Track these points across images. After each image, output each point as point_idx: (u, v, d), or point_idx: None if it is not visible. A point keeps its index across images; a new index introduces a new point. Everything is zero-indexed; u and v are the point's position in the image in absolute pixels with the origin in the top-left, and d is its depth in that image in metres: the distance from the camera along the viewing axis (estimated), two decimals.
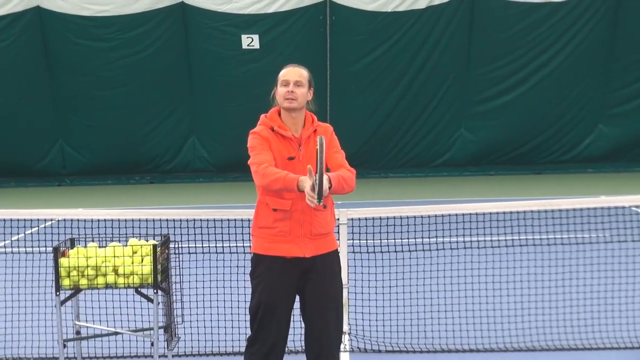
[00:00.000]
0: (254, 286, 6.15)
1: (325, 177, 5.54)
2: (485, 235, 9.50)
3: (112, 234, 8.27)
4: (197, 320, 8.60)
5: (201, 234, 8.91)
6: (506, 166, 24.91)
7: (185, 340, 8.32)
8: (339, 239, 7.71)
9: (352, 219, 8.30)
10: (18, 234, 9.67)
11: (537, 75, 24.09)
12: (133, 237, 7.42)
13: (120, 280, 6.99)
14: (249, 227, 6.44)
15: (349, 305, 8.39)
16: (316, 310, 6.14)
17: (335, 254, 6.29)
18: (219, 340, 8.46)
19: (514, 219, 9.51)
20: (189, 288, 8.54)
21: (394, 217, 9.11)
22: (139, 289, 7.08)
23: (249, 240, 6.30)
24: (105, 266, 6.96)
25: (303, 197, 5.64)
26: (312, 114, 6.30)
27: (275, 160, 5.95)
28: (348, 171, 6.03)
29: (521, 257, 10.10)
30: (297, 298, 6.23)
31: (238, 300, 8.55)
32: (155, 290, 6.97)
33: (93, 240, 7.45)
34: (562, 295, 9.21)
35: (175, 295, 7.70)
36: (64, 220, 9.24)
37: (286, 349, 6.30)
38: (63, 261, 6.94)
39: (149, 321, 7.60)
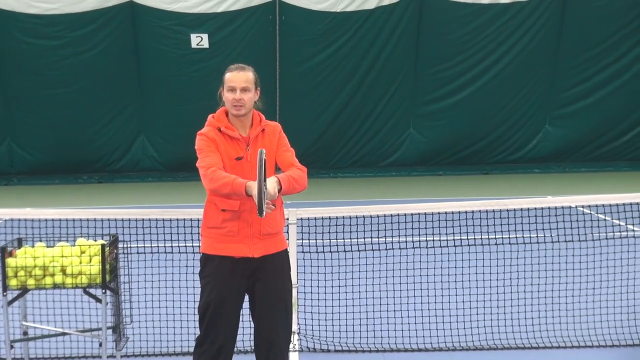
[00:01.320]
0: (202, 286, 6.16)
1: (273, 179, 5.61)
2: (433, 235, 9.56)
3: (60, 233, 8.23)
4: (146, 321, 8.57)
5: (150, 233, 8.88)
6: (454, 166, 25.01)
7: (134, 341, 8.30)
8: (288, 239, 7.73)
9: (301, 219, 8.32)
10: None
11: (485, 76, 24.23)
12: (81, 236, 7.39)
13: (69, 280, 6.96)
14: (198, 227, 6.45)
15: (298, 305, 8.41)
16: (265, 309, 6.16)
17: (284, 254, 6.32)
18: (167, 341, 8.45)
19: (462, 218, 9.57)
20: (138, 288, 8.52)
21: (343, 217, 9.13)
22: (87, 289, 7.05)
23: (199, 240, 6.31)
24: (53, 266, 6.93)
25: (250, 198, 5.70)
26: (260, 112, 6.31)
27: (223, 161, 5.98)
28: (299, 170, 6.08)
29: (469, 256, 10.17)
30: (247, 298, 6.25)
31: (187, 300, 8.54)
32: (103, 291, 6.95)
33: (41, 240, 7.42)
34: (509, 294, 9.28)
35: (124, 295, 7.68)
36: (11, 219, 9.18)
37: (235, 348, 6.31)
38: (10, 261, 6.89)
39: (98, 321, 7.57)
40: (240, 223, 6.03)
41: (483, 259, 10.01)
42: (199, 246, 6.24)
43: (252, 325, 6.27)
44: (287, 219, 7.94)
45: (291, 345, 7.88)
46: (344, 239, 9.21)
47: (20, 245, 7.27)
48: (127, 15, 23.06)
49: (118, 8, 22.90)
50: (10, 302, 6.97)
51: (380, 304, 9.22)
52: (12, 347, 7.14)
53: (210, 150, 6.01)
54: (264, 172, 5.40)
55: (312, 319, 8.78)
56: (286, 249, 6.39)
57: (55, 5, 22.61)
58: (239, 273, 6.07)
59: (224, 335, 6.10)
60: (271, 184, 5.69)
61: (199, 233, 6.35)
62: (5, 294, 6.91)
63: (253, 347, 6.34)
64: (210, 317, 6.08)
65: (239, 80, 6.06)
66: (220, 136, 6.08)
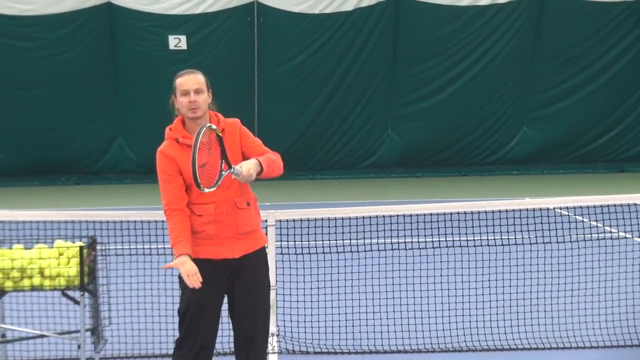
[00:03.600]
0: (182, 288, 6.14)
1: (253, 161, 5.77)
2: (412, 237, 9.56)
3: (38, 235, 8.22)
4: (125, 323, 8.55)
5: (129, 235, 8.86)
6: (432, 168, 25.06)
7: (112, 343, 8.27)
8: (267, 243, 7.74)
9: (280, 220, 8.32)
10: None
11: (462, 77, 24.31)
12: (59, 238, 7.38)
13: (47, 282, 6.94)
14: None
15: (277, 307, 8.41)
16: (245, 308, 6.16)
17: (263, 252, 6.33)
18: (147, 343, 8.43)
19: (441, 220, 9.58)
20: (116, 290, 8.49)
21: (322, 219, 9.14)
22: (66, 291, 7.03)
23: None
24: (31, 268, 6.90)
25: (226, 199, 5.90)
26: (216, 112, 6.28)
27: (185, 174, 5.94)
28: (274, 154, 6.11)
29: (447, 258, 10.18)
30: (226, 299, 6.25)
31: (166, 302, 8.53)
32: (82, 293, 6.93)
33: (18, 242, 7.39)
34: (487, 296, 9.29)
35: (103, 297, 7.66)
36: None
37: (215, 350, 6.30)
38: None
39: (76, 324, 7.55)
40: (218, 225, 6.02)
41: (461, 260, 10.04)
42: None
43: (231, 326, 6.26)
44: (266, 220, 7.93)
45: (270, 347, 7.90)
46: (322, 240, 9.22)
47: None
48: (105, 17, 23.03)
49: (96, 9, 22.86)
50: None
51: (359, 306, 9.22)
52: None
53: (167, 181, 6.02)
54: (197, 147, 5.48)
55: (291, 320, 8.77)
56: (264, 246, 6.39)
57: (32, 7, 22.54)
58: (219, 275, 6.06)
59: (204, 337, 6.08)
60: (249, 165, 5.72)
61: None
62: None
63: (232, 349, 6.33)
64: (190, 320, 6.07)
65: (191, 83, 6.03)
66: (179, 148, 6.04)
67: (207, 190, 5.59)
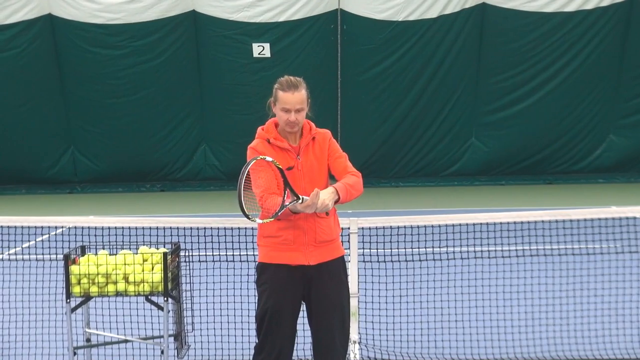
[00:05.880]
0: (259, 294, 6.20)
1: (330, 190, 5.84)
2: (495, 245, 9.47)
3: (123, 241, 8.28)
4: (207, 329, 8.59)
5: (211, 242, 8.90)
6: (517, 176, 24.89)
7: (195, 349, 8.32)
8: (349, 248, 7.73)
9: (362, 228, 8.29)
10: (29, 241, 9.67)
11: (547, 85, 24.06)
12: (144, 245, 7.43)
13: (131, 288, 7.00)
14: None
15: (359, 314, 8.38)
16: (321, 317, 6.18)
17: (340, 261, 6.33)
18: (229, 349, 8.46)
19: (525, 228, 9.47)
20: (199, 296, 8.55)
21: (405, 227, 9.08)
22: (149, 297, 7.08)
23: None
24: (116, 274, 6.98)
25: None
26: (309, 120, 6.29)
27: (274, 172, 5.97)
28: (353, 175, 6.11)
29: (532, 267, 10.06)
30: (305, 306, 6.25)
31: (248, 309, 8.54)
32: (165, 298, 6.97)
33: (104, 248, 7.47)
34: (572, 305, 9.18)
35: (186, 303, 7.72)
36: (75, 227, 9.23)
37: (296, 357, 6.31)
38: (74, 269, 6.95)
39: (159, 329, 7.61)
40: (296, 231, 6.06)
41: (546, 270, 9.92)
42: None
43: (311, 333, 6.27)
44: (348, 228, 7.92)
45: (352, 355, 7.88)
46: (405, 248, 9.16)
47: (83, 253, 7.33)
48: (190, 25, 23.25)
49: (181, 17, 23.10)
50: (73, 309, 7.02)
51: (442, 314, 9.15)
52: (75, 353, 7.19)
53: (261, 170, 6.00)
54: (244, 178, 5.67)
55: (372, 328, 8.74)
56: (342, 256, 6.38)
57: (118, 15, 22.86)
58: (294, 281, 6.10)
59: (281, 342, 6.11)
60: (325, 195, 5.73)
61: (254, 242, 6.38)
62: (68, 301, 6.97)
63: (312, 356, 6.34)
64: (267, 325, 6.11)
65: (294, 102, 6.01)
66: (270, 148, 6.11)
67: (261, 221, 5.70)
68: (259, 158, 5.73)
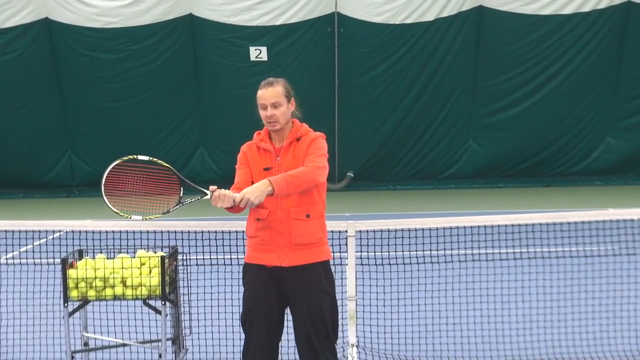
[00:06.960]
0: (243, 294, 6.28)
1: (264, 181, 5.81)
2: (493, 248, 9.47)
3: (121, 245, 8.29)
4: (205, 332, 8.59)
5: (209, 245, 8.89)
6: (514, 178, 24.91)
7: (193, 352, 8.33)
8: (346, 251, 7.74)
9: (360, 231, 8.29)
10: (26, 245, 9.66)
11: (545, 87, 24.09)
12: (141, 248, 7.45)
13: (129, 291, 7.01)
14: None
15: (357, 318, 8.38)
16: (297, 321, 6.24)
17: (319, 266, 6.25)
18: (226, 352, 8.46)
19: (522, 231, 9.48)
20: (197, 300, 8.55)
21: (402, 229, 9.07)
22: (147, 301, 7.09)
23: None
24: (114, 278, 6.98)
25: (281, 207, 6.00)
26: (303, 123, 6.31)
27: (252, 171, 6.20)
28: (302, 166, 6.05)
29: (529, 269, 10.06)
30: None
31: None
32: (163, 302, 6.98)
33: (101, 252, 7.47)
34: (570, 308, 9.19)
35: (183, 306, 7.72)
36: (72, 231, 9.22)
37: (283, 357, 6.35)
38: (71, 272, 6.96)
39: (157, 333, 7.61)
40: (272, 232, 6.11)
41: (543, 272, 9.93)
42: None
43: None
44: (346, 231, 7.92)
45: (350, 358, 7.88)
46: (402, 251, 9.16)
47: (81, 257, 7.33)
48: (187, 28, 23.28)
49: (178, 21, 23.13)
50: (71, 313, 7.02)
51: (440, 317, 9.16)
52: (72, 357, 7.19)
53: (239, 167, 6.30)
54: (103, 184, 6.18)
55: (370, 331, 8.74)
56: (324, 261, 6.30)
57: (115, 19, 22.87)
58: (271, 282, 6.17)
59: (261, 344, 6.19)
60: (253, 187, 5.79)
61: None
62: (66, 305, 6.97)
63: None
64: (249, 327, 6.24)
65: (268, 97, 6.10)
66: (254, 148, 6.29)
67: (140, 218, 6.04)
68: (118, 161, 6.13)
